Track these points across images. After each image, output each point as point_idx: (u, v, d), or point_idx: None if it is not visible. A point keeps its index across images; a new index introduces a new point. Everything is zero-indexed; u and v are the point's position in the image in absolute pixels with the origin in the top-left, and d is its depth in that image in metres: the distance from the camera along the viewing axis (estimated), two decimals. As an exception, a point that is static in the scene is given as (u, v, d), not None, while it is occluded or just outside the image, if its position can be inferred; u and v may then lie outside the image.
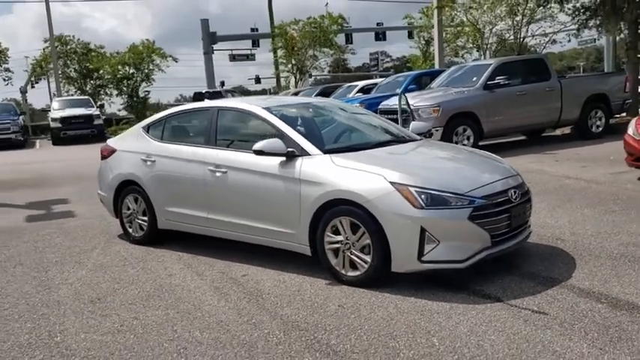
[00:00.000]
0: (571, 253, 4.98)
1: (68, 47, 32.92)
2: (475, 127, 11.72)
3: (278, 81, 33.15)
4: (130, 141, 6.32)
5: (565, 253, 4.99)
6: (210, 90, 31.14)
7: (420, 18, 28.78)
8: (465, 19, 21.72)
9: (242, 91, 44.19)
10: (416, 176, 4.31)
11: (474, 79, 12.27)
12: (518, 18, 20.15)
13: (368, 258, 4.33)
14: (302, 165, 4.68)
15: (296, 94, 22.18)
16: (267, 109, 5.25)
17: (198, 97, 27.04)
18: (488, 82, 11.98)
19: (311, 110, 5.78)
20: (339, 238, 4.46)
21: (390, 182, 4.23)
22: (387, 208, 4.18)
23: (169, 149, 5.80)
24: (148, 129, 6.20)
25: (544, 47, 20.79)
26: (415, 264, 4.18)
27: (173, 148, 5.79)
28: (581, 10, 16.63)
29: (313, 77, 35.67)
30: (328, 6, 35.34)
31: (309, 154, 4.72)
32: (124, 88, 30.96)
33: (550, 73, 12.84)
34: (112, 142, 6.67)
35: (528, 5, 19.16)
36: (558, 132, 14.87)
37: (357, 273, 4.40)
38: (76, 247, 6.21)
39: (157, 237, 6.05)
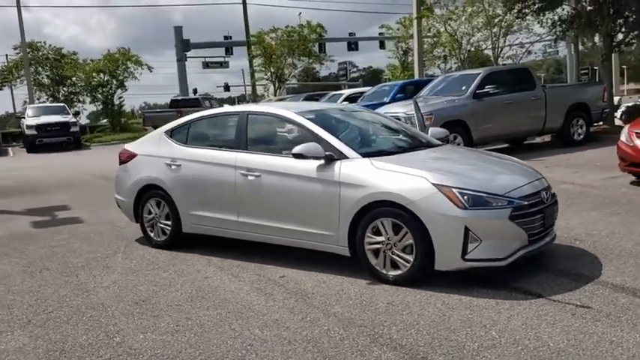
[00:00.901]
0: (592, 252, 5.23)
1: (40, 53, 32.31)
2: (465, 135, 12.03)
3: (254, 89, 33.18)
4: (152, 145, 6.33)
5: (587, 253, 5.23)
6: (187, 97, 31.02)
7: (398, 29, 29.31)
8: (442, 29, 22.23)
9: (211, 99, 43.94)
10: (456, 178, 4.49)
11: (464, 88, 12.60)
12: (495, 29, 20.74)
13: (410, 257, 4.48)
14: (341, 168, 4.81)
15: (280, 101, 22.30)
16: (301, 113, 5.37)
17: (174, 104, 26.90)
18: (477, 91, 12.33)
19: (338, 115, 5.93)
20: (381, 238, 4.60)
21: (433, 184, 4.40)
22: (431, 208, 4.35)
23: (196, 153, 5.85)
24: (171, 133, 6.23)
25: (520, 58, 21.48)
26: (459, 262, 4.35)
27: (200, 152, 5.84)
28: (558, 23, 17.23)
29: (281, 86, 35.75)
30: (301, 15, 35.59)
31: (348, 158, 4.86)
32: (99, 96, 30.49)
33: (535, 82, 13.33)
34: (130, 146, 6.66)
35: (506, 17, 19.73)
36: (539, 140, 15.36)
37: (399, 272, 4.54)
38: (97, 252, 6.19)
39: (181, 241, 6.07)
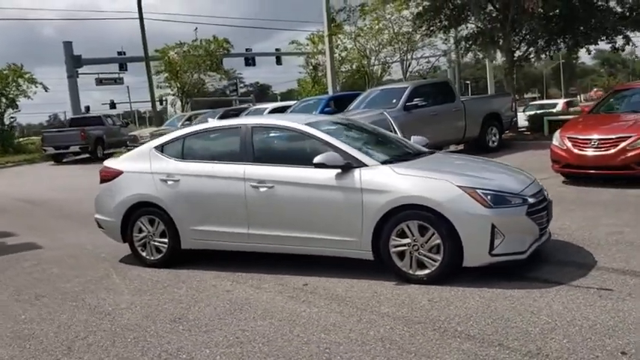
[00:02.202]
0: (575, 243, 5.79)
1: None
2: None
3: (153, 105, 32.15)
4: (140, 162, 6.11)
5: (570, 244, 5.79)
6: (88, 115, 29.51)
7: (307, 44, 29.95)
8: (351, 46, 23.07)
9: (112, 116, 41.94)
10: (476, 180, 4.85)
11: (394, 101, 13.24)
12: (401, 45, 21.86)
13: (438, 257, 4.75)
14: (362, 175, 5.00)
15: (190, 118, 21.92)
16: (310, 125, 5.50)
17: (75, 122, 25.49)
18: (407, 104, 13.02)
19: (336, 126, 6.10)
20: (406, 240, 4.83)
21: (458, 186, 4.72)
22: (459, 209, 4.66)
23: (196, 168, 5.76)
24: (162, 149, 6.07)
25: (427, 72, 22.78)
26: (487, 258, 4.69)
27: (200, 166, 5.75)
28: (463, 40, 18.55)
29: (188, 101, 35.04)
30: (197, 31, 35.05)
31: (367, 165, 5.05)
32: (-16, 115, 28.09)
33: (455, 95, 14.29)
34: (114, 163, 6.37)
35: (412, 34, 20.87)
36: (453, 147, 16.42)
37: (427, 271, 4.80)
38: (86, 276, 5.86)
39: (178, 258, 5.93)
